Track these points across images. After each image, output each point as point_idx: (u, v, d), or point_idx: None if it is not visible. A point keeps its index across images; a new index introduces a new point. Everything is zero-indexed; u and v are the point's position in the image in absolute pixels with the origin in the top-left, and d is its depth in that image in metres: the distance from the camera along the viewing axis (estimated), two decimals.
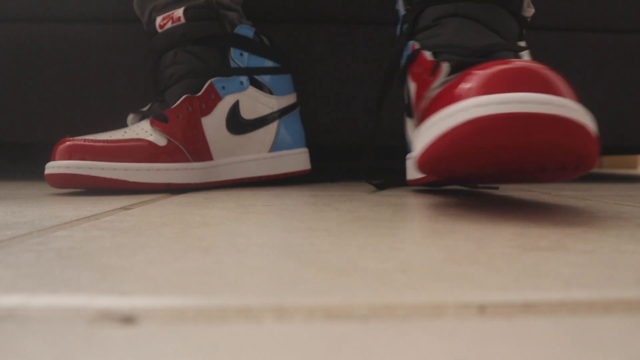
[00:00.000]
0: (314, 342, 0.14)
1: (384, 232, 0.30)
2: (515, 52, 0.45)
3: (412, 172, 0.51)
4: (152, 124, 0.58)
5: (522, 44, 0.48)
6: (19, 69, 0.76)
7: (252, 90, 0.65)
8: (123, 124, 0.77)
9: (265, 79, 0.66)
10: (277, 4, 0.77)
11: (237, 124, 0.64)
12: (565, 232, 0.31)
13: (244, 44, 0.64)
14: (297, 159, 0.69)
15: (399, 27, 0.56)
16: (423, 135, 0.34)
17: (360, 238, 0.28)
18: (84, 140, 0.54)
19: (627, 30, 0.81)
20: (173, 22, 0.62)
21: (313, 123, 0.77)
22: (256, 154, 0.66)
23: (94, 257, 0.23)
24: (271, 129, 0.67)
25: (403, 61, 0.53)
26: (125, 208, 0.41)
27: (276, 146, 0.67)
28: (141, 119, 0.62)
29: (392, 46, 0.78)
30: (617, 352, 0.13)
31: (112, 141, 0.55)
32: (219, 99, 0.62)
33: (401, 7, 0.54)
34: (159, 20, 0.63)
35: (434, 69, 0.43)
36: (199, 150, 0.60)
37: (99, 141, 0.54)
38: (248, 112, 0.65)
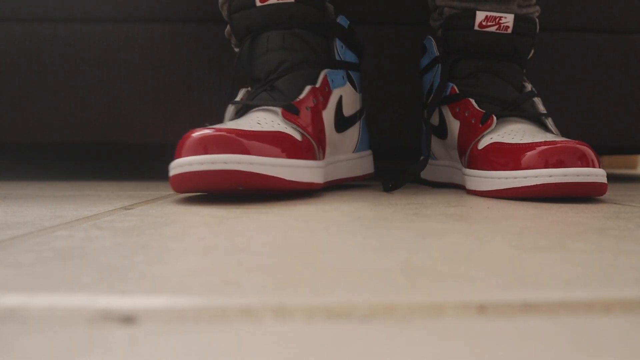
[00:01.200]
0: (314, 342, 0.14)
1: (384, 232, 0.30)
2: (533, 100, 0.60)
3: (474, 184, 0.56)
4: (284, 115, 0.50)
5: (528, 85, 0.63)
6: (19, 69, 0.76)
7: (348, 86, 0.61)
8: (123, 123, 0.77)
9: (353, 74, 0.62)
10: None
11: (340, 120, 0.60)
12: (565, 232, 0.31)
13: (345, 35, 0.61)
14: (370, 161, 0.67)
15: (423, 60, 0.69)
16: (499, 181, 0.51)
17: (360, 238, 0.28)
18: (226, 131, 0.43)
19: (627, 30, 0.81)
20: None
21: None
22: (345, 154, 0.62)
23: (94, 257, 0.23)
24: (357, 128, 0.64)
25: (433, 91, 0.65)
26: (125, 208, 0.41)
27: (359, 147, 0.65)
28: (245, 112, 0.54)
29: (392, 47, 0.78)
30: (617, 352, 0.13)
31: (258, 134, 0.45)
32: (330, 92, 0.57)
33: (434, 48, 0.66)
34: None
35: (484, 120, 0.57)
36: (322, 147, 0.54)
37: (246, 133, 0.44)
38: (347, 109, 0.61)
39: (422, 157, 0.63)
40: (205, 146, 0.42)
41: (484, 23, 0.60)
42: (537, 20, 0.63)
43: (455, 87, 0.62)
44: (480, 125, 0.57)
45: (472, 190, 0.56)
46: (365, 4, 0.78)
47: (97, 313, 0.16)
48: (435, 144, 0.68)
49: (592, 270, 0.21)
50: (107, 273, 0.20)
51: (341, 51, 0.60)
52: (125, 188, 0.61)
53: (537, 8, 0.63)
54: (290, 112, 0.51)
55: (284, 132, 0.48)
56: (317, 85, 0.55)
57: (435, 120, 0.66)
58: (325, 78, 0.56)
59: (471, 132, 0.58)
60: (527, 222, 0.35)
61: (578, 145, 0.48)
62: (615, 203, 0.48)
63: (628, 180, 0.94)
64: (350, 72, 0.62)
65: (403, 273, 0.20)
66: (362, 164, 0.65)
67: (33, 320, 0.15)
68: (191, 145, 0.42)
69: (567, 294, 0.18)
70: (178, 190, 0.44)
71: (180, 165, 0.42)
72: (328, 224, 0.33)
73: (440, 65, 0.64)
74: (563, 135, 0.59)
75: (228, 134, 0.43)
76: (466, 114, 0.60)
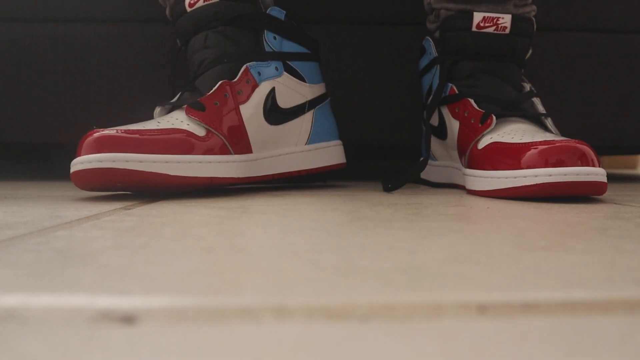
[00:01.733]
0: (314, 342, 0.14)
1: (384, 232, 0.30)
2: (532, 100, 0.60)
3: (474, 184, 0.56)
4: (187, 112, 0.52)
5: (527, 85, 0.63)
6: (19, 69, 0.76)
7: (286, 77, 0.60)
8: (123, 123, 0.77)
9: (297, 65, 0.62)
10: (278, 4, 0.77)
11: (275, 113, 0.59)
12: (565, 232, 0.31)
13: (277, 26, 0.60)
14: (334, 152, 0.65)
15: (422, 61, 0.69)
16: (498, 180, 0.51)
17: (360, 238, 0.28)
18: (116, 130, 0.47)
19: (627, 30, 0.81)
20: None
21: None
22: (294, 146, 0.61)
23: (94, 257, 0.23)
24: (307, 119, 0.62)
25: (432, 92, 0.65)
26: (125, 208, 0.41)
27: (313, 138, 0.63)
28: (170, 111, 0.56)
29: (392, 47, 0.78)
30: (617, 352, 0.13)
31: (147, 132, 0.48)
32: (255, 85, 0.57)
33: (432, 49, 0.66)
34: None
35: (483, 120, 0.57)
36: (240, 142, 0.55)
37: (133, 132, 0.47)
38: (284, 101, 0.60)
39: (421, 158, 0.64)
40: (96, 146, 0.45)
41: (481, 24, 0.60)
42: (534, 19, 0.63)
43: (455, 88, 0.62)
44: (480, 125, 0.57)
45: (472, 190, 0.56)
46: (365, 4, 0.78)
47: (97, 313, 0.16)
48: (435, 144, 0.68)
49: (592, 270, 0.21)
50: (107, 273, 0.20)
51: (273, 42, 0.60)
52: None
53: (534, 7, 0.63)
54: (195, 108, 0.52)
55: (178, 129, 0.50)
56: (235, 79, 0.55)
57: (434, 120, 0.66)
58: (246, 71, 0.57)
59: (471, 132, 0.58)
60: (527, 222, 0.35)
61: (578, 145, 0.48)
62: (615, 203, 0.48)
63: (628, 180, 0.94)
64: (293, 62, 0.61)
65: (403, 273, 0.20)
66: (321, 155, 0.64)
67: (33, 320, 0.15)
68: (85, 145, 0.46)
69: (567, 294, 0.18)
70: (79, 187, 0.47)
71: (80, 162, 0.46)
72: (328, 224, 0.33)
73: (438, 66, 0.64)
74: (563, 135, 0.59)
75: (112, 134, 0.46)
76: (466, 114, 0.60)
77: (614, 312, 0.16)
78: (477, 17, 0.60)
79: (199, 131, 0.51)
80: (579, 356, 0.13)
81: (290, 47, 0.61)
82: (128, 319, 0.15)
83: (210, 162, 0.51)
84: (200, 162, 0.50)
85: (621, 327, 0.15)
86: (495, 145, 0.54)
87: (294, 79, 0.61)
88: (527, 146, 0.50)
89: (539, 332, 0.15)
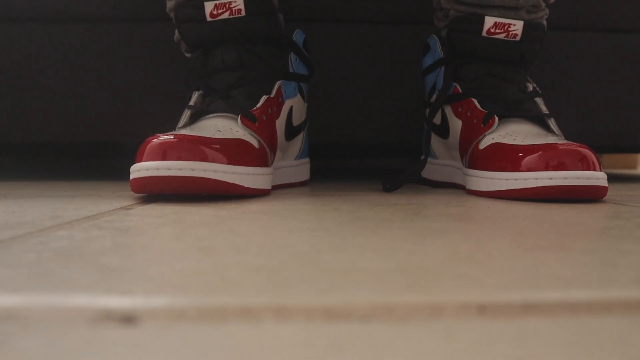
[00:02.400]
0: (314, 342, 0.14)
1: (384, 232, 0.30)
2: (535, 100, 0.60)
3: (475, 184, 0.56)
4: (243, 122, 0.52)
5: (531, 85, 0.62)
6: (19, 69, 0.76)
7: (299, 97, 0.63)
8: (123, 123, 0.77)
9: (303, 86, 0.65)
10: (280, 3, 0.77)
11: (290, 129, 0.61)
12: (565, 232, 0.31)
13: (299, 50, 0.63)
14: (307, 169, 0.69)
15: (427, 59, 0.69)
16: (499, 182, 0.52)
17: (360, 238, 0.28)
18: (187, 137, 0.45)
19: (627, 30, 0.81)
20: (231, 13, 0.56)
21: (312, 122, 0.77)
22: (289, 160, 0.64)
23: (94, 257, 0.23)
24: (301, 137, 0.66)
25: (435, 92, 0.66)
26: (125, 208, 0.41)
27: (300, 154, 0.67)
28: (200, 116, 0.55)
29: (393, 47, 0.78)
30: (617, 352, 0.13)
31: (220, 140, 0.47)
32: (283, 102, 0.59)
33: (438, 48, 0.65)
34: (209, 6, 0.56)
35: (486, 120, 0.58)
36: (274, 154, 0.57)
37: (208, 140, 0.46)
38: (296, 119, 0.63)
39: (422, 157, 0.63)
40: (165, 152, 0.44)
41: (492, 30, 0.59)
42: (545, 24, 0.62)
43: (459, 87, 0.62)
44: (482, 126, 0.57)
45: (472, 190, 0.56)
46: (365, 4, 0.78)
47: (97, 313, 0.16)
48: (437, 143, 0.68)
49: (592, 270, 0.21)
50: (107, 273, 0.20)
51: (295, 64, 0.62)
52: (125, 188, 0.61)
53: (546, 11, 0.62)
54: (249, 119, 0.53)
55: (243, 139, 0.50)
56: (272, 96, 0.57)
57: (437, 119, 0.66)
58: (279, 89, 0.58)
59: (473, 132, 0.59)
60: (527, 222, 0.35)
61: (579, 148, 0.48)
62: (615, 203, 0.48)
63: (628, 180, 0.94)
64: (301, 84, 0.64)
65: (403, 273, 0.20)
66: (302, 171, 0.68)
67: (33, 321, 0.15)
68: (151, 150, 0.44)
69: (567, 294, 0.18)
70: (137, 192, 0.46)
71: (138, 169, 0.44)
72: (328, 224, 0.33)
73: (444, 67, 0.64)
74: (564, 135, 0.58)
75: (188, 141, 0.44)
76: (468, 114, 0.60)
77: (614, 312, 0.16)
78: (489, 21, 0.59)
79: (254, 142, 0.52)
80: (579, 356, 0.13)
81: (302, 69, 0.64)
82: (128, 319, 0.15)
83: (264, 174, 0.52)
84: (260, 174, 0.51)
85: (621, 327, 0.15)
86: (496, 146, 0.54)
87: (302, 99, 0.64)
88: (528, 148, 0.50)
89: (539, 332, 0.15)
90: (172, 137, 0.45)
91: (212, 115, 0.54)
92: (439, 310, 0.16)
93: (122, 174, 0.92)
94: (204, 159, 0.44)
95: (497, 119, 0.56)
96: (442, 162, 0.68)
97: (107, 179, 0.79)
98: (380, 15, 0.78)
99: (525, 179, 0.49)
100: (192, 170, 0.44)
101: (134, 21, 0.77)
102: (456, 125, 0.62)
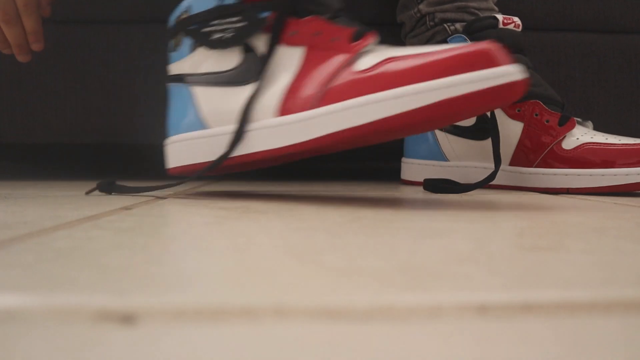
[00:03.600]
0: (314, 342, 0.14)
1: (384, 232, 0.30)
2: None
3: (573, 182, 0.61)
4: None
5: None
6: (19, 69, 0.76)
7: None
8: (123, 124, 0.77)
9: None
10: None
11: None
12: (565, 232, 0.31)
13: None
14: None
15: None
16: (601, 178, 0.59)
17: (360, 238, 0.28)
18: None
19: (627, 30, 0.81)
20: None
21: None
22: None
23: (94, 257, 0.23)
24: None
25: None
26: (125, 208, 0.41)
27: None
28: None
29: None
30: (617, 352, 0.13)
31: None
32: None
33: None
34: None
35: (563, 122, 0.62)
36: None
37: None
38: None
39: (493, 169, 0.58)
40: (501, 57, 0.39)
41: (505, 21, 0.64)
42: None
43: None
44: (559, 127, 0.61)
45: (574, 189, 0.59)
46: (365, 3, 0.78)
47: (97, 313, 0.16)
48: (459, 144, 0.67)
49: (592, 270, 0.21)
50: (107, 273, 0.20)
51: None
52: None
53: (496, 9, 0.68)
54: None
55: None
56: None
57: (468, 121, 0.66)
58: None
59: (546, 133, 0.62)
60: (527, 222, 0.35)
61: None
62: (615, 203, 0.48)
63: None
64: None
65: (403, 273, 0.20)
66: None
67: (33, 321, 0.15)
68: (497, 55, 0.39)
69: (567, 294, 0.18)
70: (514, 100, 0.40)
71: (506, 74, 0.38)
72: (328, 224, 0.33)
73: None
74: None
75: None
76: (535, 115, 0.62)
77: (614, 312, 0.16)
78: (499, 16, 0.64)
79: None
80: (579, 356, 0.13)
81: None
82: (128, 319, 0.15)
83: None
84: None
85: (621, 327, 0.15)
86: (592, 146, 0.59)
87: None
88: (626, 147, 0.57)
89: (539, 332, 0.15)
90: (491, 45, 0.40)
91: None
92: (439, 310, 0.16)
93: (122, 174, 0.92)
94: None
95: (575, 120, 0.61)
96: (458, 163, 0.68)
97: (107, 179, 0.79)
98: (380, 15, 0.78)
99: (627, 175, 0.56)
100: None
101: (134, 21, 0.77)
102: (512, 126, 0.63)
